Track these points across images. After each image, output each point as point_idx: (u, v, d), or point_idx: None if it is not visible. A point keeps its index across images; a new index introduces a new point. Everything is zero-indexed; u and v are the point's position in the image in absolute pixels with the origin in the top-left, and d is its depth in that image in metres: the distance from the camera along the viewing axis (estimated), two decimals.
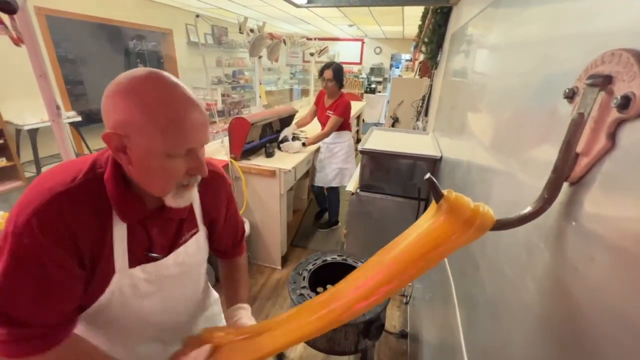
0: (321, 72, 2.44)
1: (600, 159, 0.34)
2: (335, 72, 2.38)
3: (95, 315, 0.60)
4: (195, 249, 0.72)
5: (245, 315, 0.76)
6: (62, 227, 0.50)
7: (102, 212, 0.55)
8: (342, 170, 2.65)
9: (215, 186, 0.75)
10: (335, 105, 2.46)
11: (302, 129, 2.81)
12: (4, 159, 3.29)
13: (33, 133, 3.43)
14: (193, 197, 0.67)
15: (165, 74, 0.52)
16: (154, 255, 0.64)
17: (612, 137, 0.33)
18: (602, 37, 0.38)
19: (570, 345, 0.36)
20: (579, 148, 0.37)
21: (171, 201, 0.58)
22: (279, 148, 2.44)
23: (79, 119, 3.98)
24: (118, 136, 0.50)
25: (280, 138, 2.49)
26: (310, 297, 1.25)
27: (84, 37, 5.49)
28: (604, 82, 0.34)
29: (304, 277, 1.36)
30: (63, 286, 0.53)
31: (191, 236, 0.71)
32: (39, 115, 3.35)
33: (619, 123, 0.32)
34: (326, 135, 2.46)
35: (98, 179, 0.55)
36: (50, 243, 0.50)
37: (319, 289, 1.47)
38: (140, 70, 0.51)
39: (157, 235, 0.64)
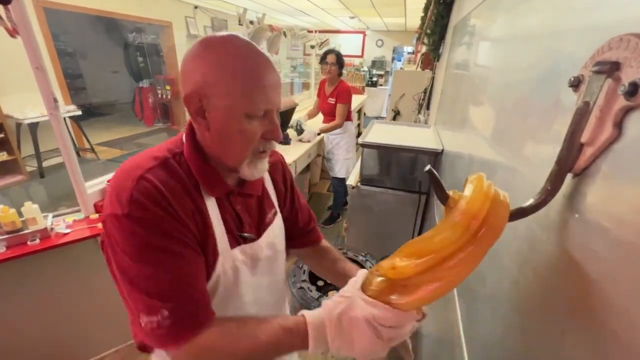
0: (324, 57, 2.52)
1: (605, 149, 0.33)
2: (338, 57, 2.48)
3: None
4: (279, 229, 0.72)
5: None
6: (165, 198, 0.49)
7: (192, 186, 0.54)
8: (346, 161, 2.69)
9: (278, 165, 0.75)
10: (336, 92, 2.53)
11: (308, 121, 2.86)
12: (4, 153, 3.30)
13: (33, 127, 3.43)
14: (264, 175, 0.68)
15: (242, 36, 0.52)
16: (249, 235, 0.63)
17: (619, 125, 0.32)
18: (610, 26, 0.37)
19: (572, 340, 0.35)
20: (584, 138, 0.36)
21: (246, 170, 0.57)
22: (301, 130, 2.61)
23: (79, 112, 3.97)
24: (199, 97, 0.50)
25: (295, 125, 2.62)
26: (311, 291, 1.25)
27: (83, 30, 5.44)
28: (611, 68, 0.32)
29: (304, 271, 1.36)
30: (190, 259, 0.51)
31: (274, 215, 0.70)
32: (39, 109, 3.35)
33: (627, 111, 0.31)
34: (339, 125, 2.55)
35: (178, 156, 0.55)
36: (162, 211, 0.48)
37: (319, 283, 1.47)
38: (217, 33, 0.52)
39: (242, 212, 0.63)
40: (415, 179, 1.76)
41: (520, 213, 0.40)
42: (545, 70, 0.53)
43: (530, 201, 0.40)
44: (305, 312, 0.52)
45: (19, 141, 3.50)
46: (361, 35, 9.32)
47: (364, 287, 0.49)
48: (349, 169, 2.69)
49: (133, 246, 0.47)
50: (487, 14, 1.07)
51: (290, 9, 5.82)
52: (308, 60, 5.90)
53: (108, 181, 1.48)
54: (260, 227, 0.67)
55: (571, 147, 0.36)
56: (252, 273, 0.64)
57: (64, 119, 3.85)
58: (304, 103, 3.98)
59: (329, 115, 2.64)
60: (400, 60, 8.70)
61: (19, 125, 3.43)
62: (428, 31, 2.57)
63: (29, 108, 3.34)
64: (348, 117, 2.63)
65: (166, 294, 0.48)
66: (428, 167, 0.45)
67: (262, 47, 2.65)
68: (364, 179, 1.83)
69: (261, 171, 0.59)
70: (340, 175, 2.73)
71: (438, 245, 0.42)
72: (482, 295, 0.68)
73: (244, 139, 0.53)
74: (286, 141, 2.51)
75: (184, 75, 0.51)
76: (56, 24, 3.91)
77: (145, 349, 0.62)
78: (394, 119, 3.88)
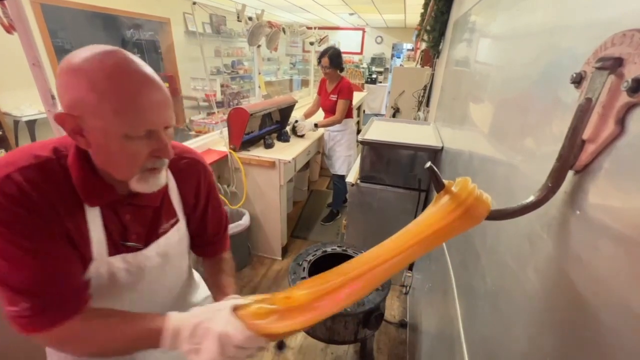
0: (319, 60, 2.47)
1: (607, 146, 0.33)
2: (332, 59, 2.41)
3: None
4: (177, 239, 0.71)
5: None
6: (29, 199, 0.49)
7: (70, 192, 0.53)
8: (347, 158, 2.68)
9: (194, 173, 0.72)
10: (338, 89, 2.51)
11: (309, 119, 2.85)
12: (2, 150, 3.27)
13: (31, 124, 3.41)
14: (170, 185, 0.67)
15: (122, 51, 0.49)
16: (133, 244, 0.63)
17: (621, 122, 0.31)
18: (612, 22, 0.36)
19: (573, 336, 0.35)
20: (586, 135, 0.36)
21: (136, 185, 0.55)
22: (294, 130, 2.55)
23: None
24: (72, 117, 0.48)
25: (291, 120, 2.59)
26: None
27: (81, 27, 5.40)
28: (613, 64, 0.32)
29: (304, 268, 1.36)
30: (56, 255, 0.52)
31: (171, 226, 0.69)
32: (37, 107, 3.33)
33: (629, 108, 0.31)
34: (338, 120, 2.52)
35: (63, 159, 0.53)
36: (25, 211, 0.48)
37: None
38: (92, 46, 0.49)
39: (130, 222, 0.62)
40: (414, 177, 1.76)
41: (521, 210, 0.40)
42: (546, 67, 0.53)
43: (531, 198, 0.39)
44: (174, 313, 0.55)
45: (17, 138, 3.48)
46: (360, 32, 9.28)
47: (239, 307, 0.53)
48: (350, 165, 2.68)
49: None
50: (487, 10, 1.07)
51: (289, 6, 5.79)
52: (307, 57, 5.88)
53: None
54: (150, 237, 0.65)
55: (573, 144, 0.36)
56: (136, 279, 0.65)
57: None
58: (303, 100, 3.96)
59: (331, 112, 2.62)
60: (399, 57, 8.67)
61: (16, 122, 3.41)
62: (428, 27, 2.55)
63: (26, 105, 3.32)
64: (349, 114, 2.62)
65: (26, 289, 0.50)
66: (429, 164, 0.45)
67: (261, 44, 2.63)
68: (364, 177, 1.83)
69: (154, 186, 0.57)
70: (341, 172, 2.72)
71: (420, 226, 0.44)
72: (482, 292, 0.68)
73: (127, 158, 0.52)
74: (285, 138, 2.50)
75: (58, 91, 0.49)
76: (53, 20, 3.88)
77: None
78: (394, 116, 3.87)
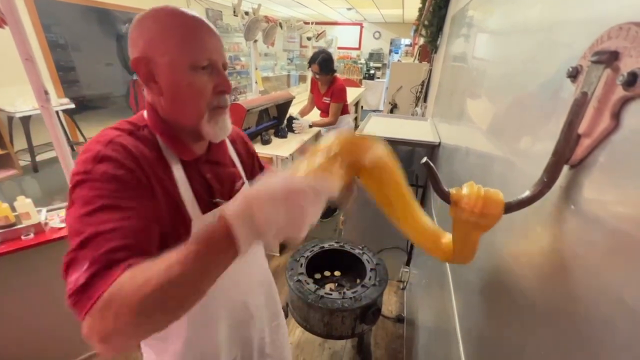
0: (309, 65, 2.48)
1: (603, 140, 0.33)
2: (322, 65, 2.36)
3: None
4: None
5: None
6: (132, 155, 0.51)
7: (159, 155, 0.57)
8: None
9: (243, 141, 0.81)
10: (330, 91, 2.50)
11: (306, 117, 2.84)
12: None
13: (25, 120, 3.37)
14: (228, 147, 0.74)
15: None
16: (220, 200, 0.65)
17: (617, 116, 0.31)
18: (609, 16, 0.36)
19: (567, 330, 0.35)
20: (581, 129, 0.35)
21: (208, 128, 0.59)
22: (291, 127, 2.57)
23: (73, 106, 3.91)
24: (145, 60, 0.53)
25: (289, 116, 2.61)
26: (308, 283, 1.26)
27: (75, 22, 5.33)
28: (609, 58, 0.32)
29: (302, 264, 1.36)
30: (143, 214, 0.48)
31: (241, 185, 0.73)
32: (31, 103, 3.29)
33: (625, 101, 0.30)
34: (332, 123, 2.55)
35: (143, 129, 0.57)
36: (132, 164, 0.50)
37: (317, 276, 1.48)
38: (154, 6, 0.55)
39: (212, 180, 0.65)
40: (412, 172, 1.76)
41: (516, 205, 0.40)
42: (543, 62, 0.53)
43: (526, 193, 0.39)
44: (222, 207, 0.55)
45: (12, 135, 3.45)
46: (358, 28, 9.23)
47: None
48: None
49: (91, 191, 0.45)
50: (485, 5, 1.06)
51: (286, 0, 5.74)
52: (305, 52, 5.84)
53: None
54: (231, 196, 0.69)
55: (568, 138, 0.36)
56: None
57: (57, 112, 3.79)
58: (301, 96, 3.94)
59: (325, 112, 2.63)
60: (397, 53, 8.63)
61: (10, 118, 3.37)
62: (426, 22, 2.54)
63: (20, 101, 3.28)
64: (345, 111, 2.62)
65: (129, 243, 0.44)
66: (425, 159, 0.45)
67: (257, 38, 2.61)
68: None
69: (224, 129, 0.62)
70: None
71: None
72: (478, 286, 0.68)
73: (195, 92, 0.55)
74: (282, 134, 2.49)
75: (130, 47, 0.54)
76: (47, 14, 3.82)
77: None
78: (391, 112, 3.87)
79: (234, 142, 0.78)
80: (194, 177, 0.62)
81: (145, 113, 0.60)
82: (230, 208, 0.38)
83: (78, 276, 0.40)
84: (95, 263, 0.40)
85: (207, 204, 0.63)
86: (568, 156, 0.37)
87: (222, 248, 0.38)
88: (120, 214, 0.46)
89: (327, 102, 2.53)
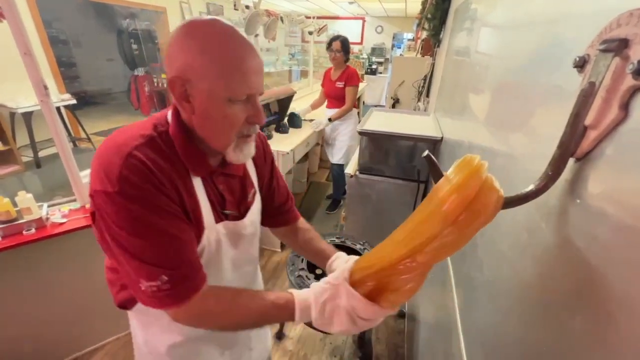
0: (329, 44, 2.52)
1: (610, 132, 0.32)
2: (343, 43, 2.48)
3: None
4: (258, 208, 0.75)
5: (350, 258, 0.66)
6: (153, 174, 0.51)
7: (178, 164, 0.56)
8: (349, 147, 2.68)
9: (262, 148, 0.77)
10: (345, 76, 2.55)
11: (313, 112, 2.85)
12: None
13: (27, 116, 3.38)
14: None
15: (224, 20, 0.52)
16: (230, 212, 0.67)
17: (626, 107, 0.30)
18: (615, 9, 0.35)
19: (571, 326, 0.35)
20: (588, 121, 0.34)
21: (232, 155, 0.58)
22: (293, 123, 2.57)
23: (74, 101, 3.91)
24: (181, 81, 0.50)
25: (290, 112, 2.62)
26: (309, 279, 1.26)
27: (76, 17, 5.31)
28: (619, 46, 0.31)
29: (303, 259, 1.36)
30: (181, 229, 0.54)
31: (253, 196, 0.73)
32: (33, 98, 3.28)
33: (634, 91, 0.29)
34: (349, 108, 2.57)
35: (164, 134, 0.56)
36: (152, 187, 0.50)
37: (318, 271, 1.48)
38: (200, 17, 0.52)
39: (225, 191, 0.66)
40: (414, 167, 1.75)
41: (520, 199, 0.39)
42: (547, 54, 0.51)
43: (530, 187, 0.38)
44: (294, 291, 0.57)
45: (14, 131, 3.45)
46: (360, 22, 9.14)
47: (350, 274, 0.54)
48: (349, 155, 2.69)
49: (127, 220, 0.49)
50: None
51: None
52: (306, 47, 5.79)
53: None
54: (242, 206, 0.70)
55: (574, 131, 0.35)
56: (233, 246, 0.69)
57: (59, 108, 3.77)
58: (302, 91, 3.92)
59: (335, 98, 2.63)
60: (400, 47, 8.55)
61: (12, 114, 3.38)
62: (429, 15, 2.50)
63: (22, 97, 3.28)
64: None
65: (164, 261, 0.51)
66: (426, 152, 0.44)
67: (258, 33, 2.59)
68: (362, 168, 1.82)
69: (247, 155, 0.61)
70: (343, 161, 2.72)
71: (414, 239, 0.44)
72: (480, 281, 0.67)
73: (228, 123, 0.54)
74: (284, 130, 2.48)
75: (168, 60, 0.52)
76: (47, 10, 3.80)
77: (125, 306, 0.69)
78: (393, 106, 3.84)
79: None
80: (210, 188, 0.63)
81: (169, 115, 0.58)
82: (301, 301, 0.55)
83: (160, 284, 0.51)
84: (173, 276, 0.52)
85: (218, 214, 0.64)
86: (574, 149, 0.36)
87: (283, 319, 0.58)
88: (164, 231, 0.52)
89: (341, 86, 2.55)
